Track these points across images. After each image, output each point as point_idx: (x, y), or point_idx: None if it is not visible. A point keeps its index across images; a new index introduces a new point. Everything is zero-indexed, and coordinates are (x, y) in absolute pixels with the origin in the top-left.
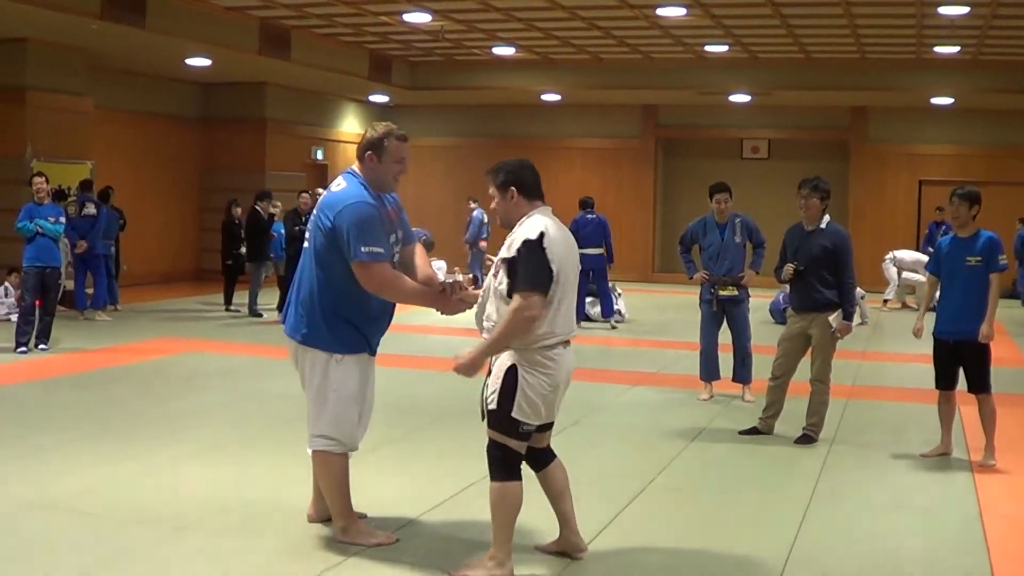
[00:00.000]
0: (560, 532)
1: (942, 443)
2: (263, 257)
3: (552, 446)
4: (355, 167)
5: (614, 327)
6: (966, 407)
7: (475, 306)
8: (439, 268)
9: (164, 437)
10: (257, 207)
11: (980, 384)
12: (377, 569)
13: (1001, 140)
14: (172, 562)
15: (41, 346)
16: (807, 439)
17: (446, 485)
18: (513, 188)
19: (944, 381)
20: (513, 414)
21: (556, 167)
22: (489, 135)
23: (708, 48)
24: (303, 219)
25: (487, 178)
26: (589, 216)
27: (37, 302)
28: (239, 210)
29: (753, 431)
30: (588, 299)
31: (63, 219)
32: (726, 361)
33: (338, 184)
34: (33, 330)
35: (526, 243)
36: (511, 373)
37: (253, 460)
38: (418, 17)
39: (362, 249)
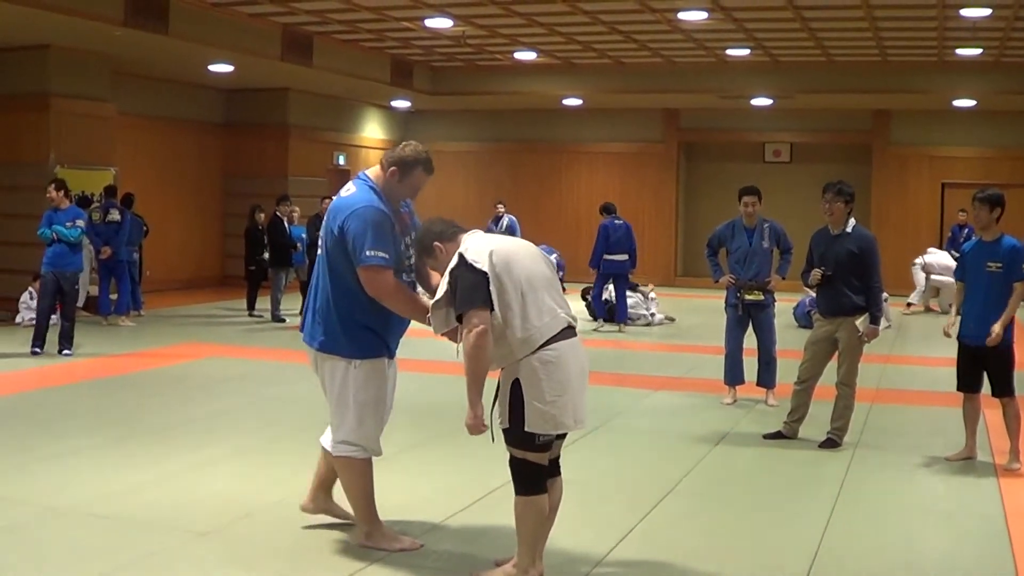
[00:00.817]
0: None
1: (966, 447)
2: (285, 262)
3: (575, 451)
4: (370, 173)
5: (622, 331)
6: (990, 411)
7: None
8: None
9: (187, 442)
10: (277, 212)
11: (1004, 388)
12: (399, 575)
13: None
14: (195, 567)
15: (64, 351)
16: (831, 443)
17: (470, 489)
18: (437, 244)
19: (966, 383)
20: (527, 428)
21: (578, 171)
22: (511, 140)
23: (730, 52)
24: None
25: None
26: (617, 222)
27: (58, 306)
28: (263, 215)
29: (778, 435)
30: (630, 301)
31: (80, 222)
32: (750, 365)
33: (347, 189)
34: (45, 333)
35: (450, 271)
36: (515, 387)
37: (276, 464)
38: (440, 22)
39: (367, 253)
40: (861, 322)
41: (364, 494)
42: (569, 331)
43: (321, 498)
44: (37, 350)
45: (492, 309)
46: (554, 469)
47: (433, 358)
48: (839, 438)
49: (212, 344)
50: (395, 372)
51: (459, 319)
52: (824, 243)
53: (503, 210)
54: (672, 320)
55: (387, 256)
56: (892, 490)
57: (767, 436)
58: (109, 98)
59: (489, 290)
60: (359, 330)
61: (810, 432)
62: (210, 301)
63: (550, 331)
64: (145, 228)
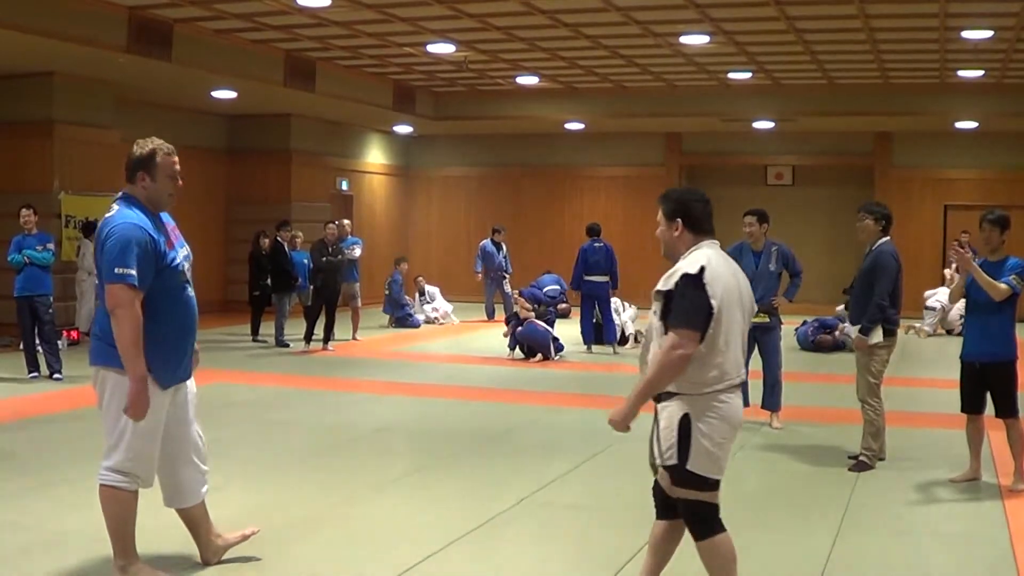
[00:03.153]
0: None
1: (971, 468)
2: (287, 288)
3: (580, 476)
4: (127, 189)
5: (616, 352)
6: (994, 432)
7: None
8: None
9: None
10: (278, 238)
11: (1008, 408)
12: None
13: None
14: None
15: (56, 376)
16: (861, 465)
17: (472, 516)
18: (679, 220)
19: (970, 404)
20: (688, 467)
21: (580, 195)
22: (513, 164)
23: (731, 75)
24: (330, 249)
25: (658, 203)
26: (597, 244)
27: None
28: (267, 241)
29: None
30: (625, 319)
31: (50, 246)
32: (755, 388)
33: (110, 210)
34: (35, 357)
35: (684, 277)
36: (684, 424)
37: (281, 490)
38: (442, 48)
39: (115, 271)
40: (853, 329)
41: (126, 525)
42: (739, 388)
43: (212, 542)
44: (35, 374)
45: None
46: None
47: (433, 382)
48: (869, 459)
49: (217, 370)
50: (185, 398)
51: (665, 329)
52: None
53: (502, 236)
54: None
55: (132, 273)
56: (897, 512)
57: (851, 458)
58: (113, 125)
59: (708, 321)
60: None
61: (812, 453)
62: (214, 327)
63: (732, 380)
64: None
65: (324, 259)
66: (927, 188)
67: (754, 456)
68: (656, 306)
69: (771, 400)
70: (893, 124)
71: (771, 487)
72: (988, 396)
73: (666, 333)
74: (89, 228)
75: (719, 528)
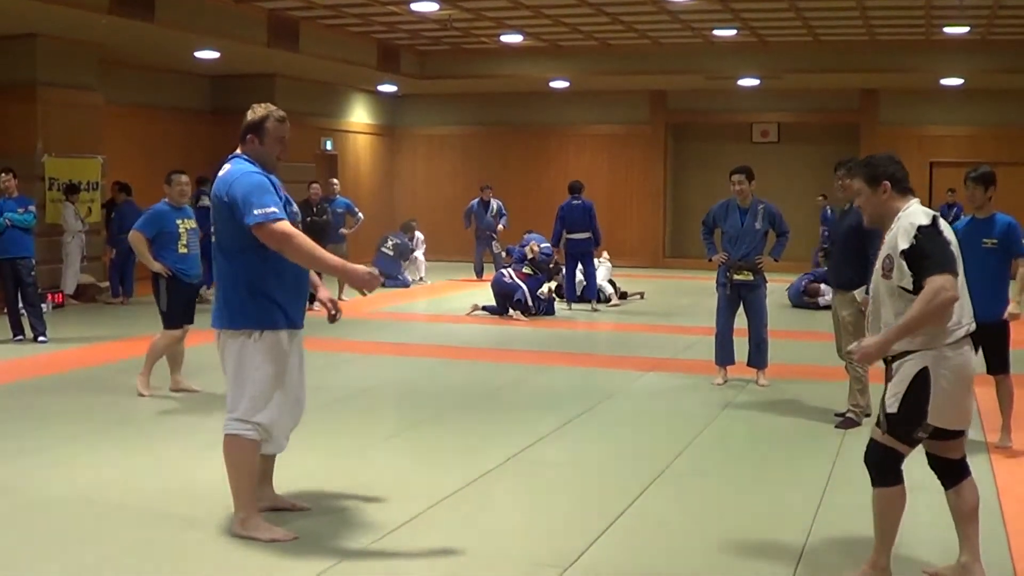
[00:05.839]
0: (959, 557)
1: None
2: None
3: (568, 434)
4: (238, 150)
5: (596, 310)
6: (981, 389)
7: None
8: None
9: (181, 428)
10: None
11: (1000, 364)
12: (388, 559)
13: (1012, 120)
14: (187, 555)
15: (40, 339)
16: (849, 422)
17: (463, 472)
18: (886, 182)
19: None
20: (929, 420)
21: (565, 154)
22: (498, 123)
23: (716, 32)
24: (314, 209)
25: (851, 171)
26: (575, 202)
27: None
28: None
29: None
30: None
31: (32, 208)
32: (741, 345)
33: (224, 169)
34: (19, 320)
35: (921, 229)
36: (922, 376)
37: None
38: (426, 6)
39: (255, 212)
40: (858, 292)
41: (249, 478)
42: (970, 338)
43: (265, 494)
44: (21, 337)
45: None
46: (964, 469)
47: (417, 342)
48: (857, 416)
49: (204, 330)
50: (301, 348)
51: (918, 285)
52: (835, 218)
53: (491, 194)
54: (635, 297)
55: (276, 210)
56: None
57: (838, 415)
58: (96, 87)
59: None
60: (256, 300)
61: (799, 410)
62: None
63: (968, 326)
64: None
65: (308, 219)
66: (913, 145)
67: (741, 414)
68: (896, 270)
69: (757, 358)
70: (879, 81)
71: (758, 444)
72: (980, 353)
73: (917, 290)
74: (72, 190)
75: (901, 479)
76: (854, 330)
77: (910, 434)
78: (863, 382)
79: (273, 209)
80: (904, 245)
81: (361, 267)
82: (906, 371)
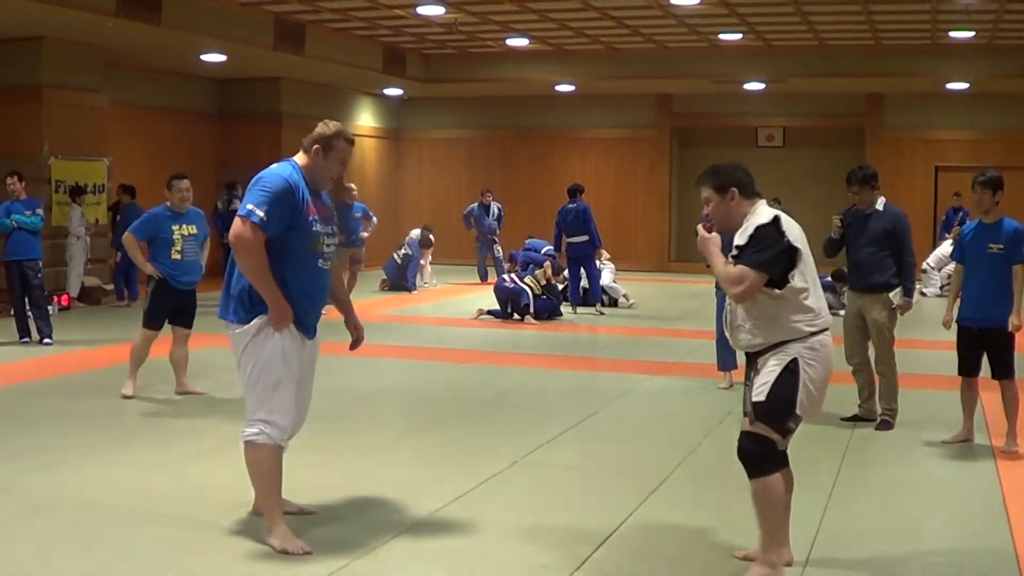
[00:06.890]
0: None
1: (964, 429)
2: None
3: (576, 436)
4: (296, 158)
5: (601, 313)
6: (987, 393)
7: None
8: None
9: (189, 430)
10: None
11: (1004, 369)
12: (395, 563)
13: (1017, 125)
14: (195, 557)
15: (46, 341)
16: (885, 424)
17: (466, 478)
18: (734, 189)
19: (967, 367)
20: (797, 411)
21: (571, 158)
22: (504, 127)
23: (722, 36)
24: None
25: (698, 181)
26: (570, 206)
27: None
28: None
29: (855, 418)
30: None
31: (39, 211)
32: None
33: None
34: (25, 322)
35: (759, 228)
36: (791, 366)
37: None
38: (432, 10)
39: (247, 206)
40: (895, 294)
41: (261, 482)
42: (827, 330)
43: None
44: (26, 339)
45: (787, 284)
46: (785, 459)
47: (422, 345)
48: (891, 419)
49: (208, 333)
50: (313, 353)
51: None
52: (857, 222)
53: (491, 198)
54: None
55: (263, 216)
56: (890, 473)
57: (844, 419)
58: (102, 89)
59: (787, 267)
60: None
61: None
62: (204, 291)
63: (826, 319)
64: None
65: None
66: (918, 149)
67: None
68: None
69: None
70: (884, 85)
71: None
72: (984, 358)
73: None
74: (78, 192)
75: (776, 467)
76: (888, 332)
77: (786, 424)
78: (896, 386)
79: (261, 214)
80: (740, 242)
81: (284, 307)
82: (775, 359)
